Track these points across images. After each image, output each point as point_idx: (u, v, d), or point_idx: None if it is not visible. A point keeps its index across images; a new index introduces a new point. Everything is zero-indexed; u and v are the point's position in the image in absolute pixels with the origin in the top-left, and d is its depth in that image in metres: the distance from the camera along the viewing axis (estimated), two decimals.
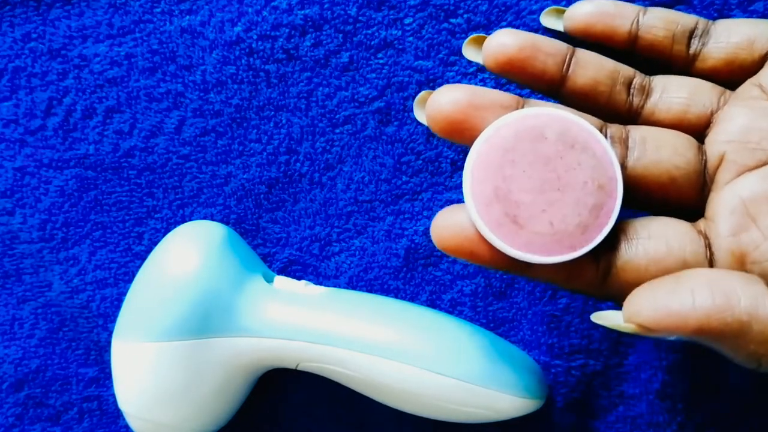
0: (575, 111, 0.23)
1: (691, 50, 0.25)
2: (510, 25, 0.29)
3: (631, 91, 0.25)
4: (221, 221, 0.31)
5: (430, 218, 0.30)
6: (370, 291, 0.30)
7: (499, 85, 0.30)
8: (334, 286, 0.30)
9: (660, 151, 0.23)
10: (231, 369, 0.27)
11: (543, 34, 0.28)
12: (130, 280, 0.31)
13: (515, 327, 0.30)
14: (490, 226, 0.21)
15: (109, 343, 0.31)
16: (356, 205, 0.30)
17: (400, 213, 0.30)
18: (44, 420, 0.32)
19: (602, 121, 0.23)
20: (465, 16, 0.30)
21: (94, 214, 0.32)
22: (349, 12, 0.30)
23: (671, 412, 0.29)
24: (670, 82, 0.25)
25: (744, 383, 0.28)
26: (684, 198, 0.23)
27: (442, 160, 0.30)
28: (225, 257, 0.27)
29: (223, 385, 0.27)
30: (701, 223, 0.22)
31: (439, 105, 0.22)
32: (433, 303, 0.30)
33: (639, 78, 0.25)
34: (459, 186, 0.30)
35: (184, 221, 0.31)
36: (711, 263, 0.21)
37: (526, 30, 0.29)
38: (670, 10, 0.26)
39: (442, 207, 0.30)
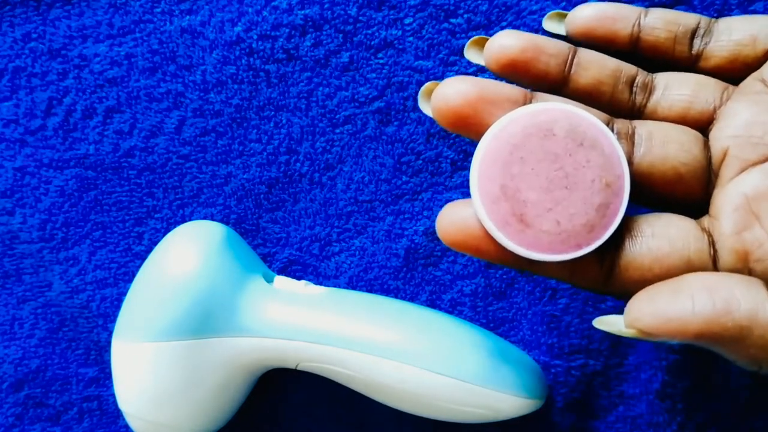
0: (583, 105, 0.23)
1: (694, 50, 0.25)
2: (510, 25, 0.29)
3: (634, 89, 0.24)
4: (221, 221, 0.31)
5: (430, 218, 0.30)
6: (370, 291, 0.30)
7: None
8: (334, 286, 0.30)
9: (666, 147, 0.22)
10: (231, 369, 0.27)
11: (544, 35, 0.28)
12: (130, 280, 0.31)
13: (515, 327, 0.29)
14: (496, 224, 0.21)
15: (109, 343, 0.31)
16: (356, 205, 0.30)
17: (400, 213, 0.30)
18: (44, 420, 0.32)
19: (609, 116, 0.23)
20: (465, 16, 0.30)
21: (94, 214, 0.32)
22: (349, 12, 0.30)
23: (671, 412, 0.29)
24: (672, 79, 0.24)
25: (744, 383, 0.28)
26: (690, 194, 0.23)
27: (442, 160, 0.30)
28: (225, 257, 0.27)
29: (223, 385, 0.27)
30: (705, 221, 0.22)
31: (445, 97, 0.22)
32: (433, 303, 0.30)
33: (641, 76, 0.25)
34: (459, 186, 0.30)
35: (184, 221, 0.31)
36: (715, 261, 0.21)
37: (526, 30, 0.29)
38: (671, 10, 0.26)
39: (442, 207, 0.30)
